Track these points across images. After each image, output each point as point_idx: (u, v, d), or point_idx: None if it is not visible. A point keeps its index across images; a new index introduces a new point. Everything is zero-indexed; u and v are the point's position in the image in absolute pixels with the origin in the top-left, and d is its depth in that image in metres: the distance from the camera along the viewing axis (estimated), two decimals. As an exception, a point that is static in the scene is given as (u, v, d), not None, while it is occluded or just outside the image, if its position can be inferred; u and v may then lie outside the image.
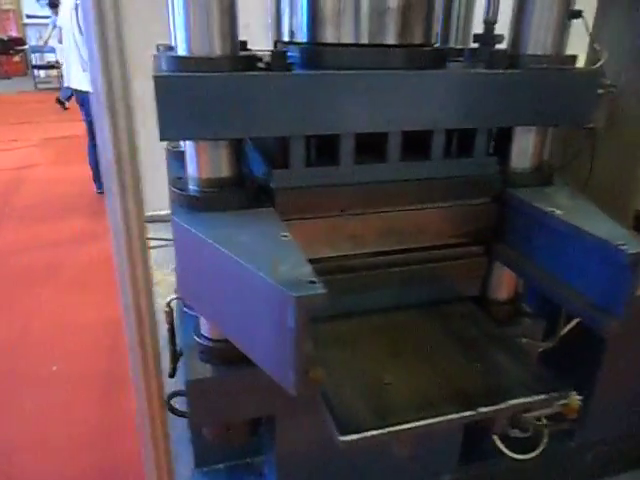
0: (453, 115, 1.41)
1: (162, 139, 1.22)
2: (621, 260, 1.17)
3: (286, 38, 1.56)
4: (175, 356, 1.87)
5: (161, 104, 1.18)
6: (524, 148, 1.60)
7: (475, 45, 1.79)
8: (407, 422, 1.18)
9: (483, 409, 1.23)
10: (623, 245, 1.17)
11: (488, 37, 1.75)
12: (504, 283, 1.76)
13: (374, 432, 1.15)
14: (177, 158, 1.76)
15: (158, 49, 1.71)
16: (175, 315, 1.75)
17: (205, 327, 1.57)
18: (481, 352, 1.45)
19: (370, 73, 1.32)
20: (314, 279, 0.99)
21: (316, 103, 1.29)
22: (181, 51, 1.24)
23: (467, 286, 1.70)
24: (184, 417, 2.20)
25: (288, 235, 1.18)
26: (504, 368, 1.39)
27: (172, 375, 1.95)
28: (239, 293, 1.12)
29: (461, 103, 1.40)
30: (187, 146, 1.36)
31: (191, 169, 1.37)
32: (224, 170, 1.36)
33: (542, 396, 1.28)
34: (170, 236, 1.30)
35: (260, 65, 1.33)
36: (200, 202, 1.33)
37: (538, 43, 1.49)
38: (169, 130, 1.21)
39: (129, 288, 0.96)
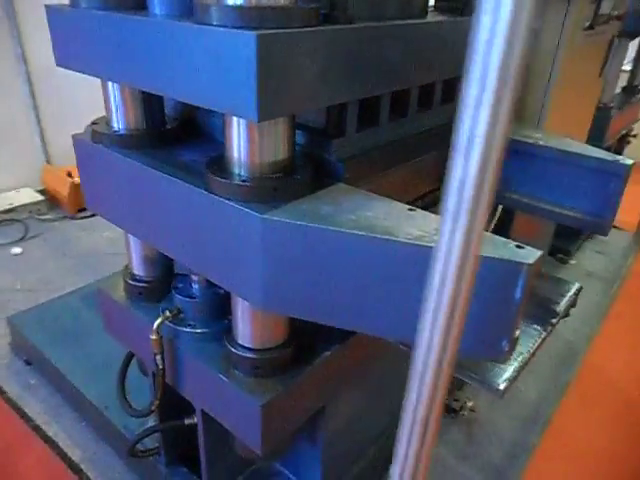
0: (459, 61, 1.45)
1: (263, 120, 0.93)
2: (620, 172, 1.46)
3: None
4: (163, 389, 1.53)
5: (263, 69, 0.89)
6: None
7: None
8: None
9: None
10: (619, 160, 1.46)
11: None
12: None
13: (514, 366, 1.23)
14: (123, 144, 1.34)
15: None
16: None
17: (246, 335, 1.32)
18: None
19: (418, 22, 1.25)
20: (516, 243, 0.97)
21: (378, 61, 1.16)
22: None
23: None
24: (154, 455, 1.85)
25: (414, 208, 1.09)
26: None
27: (151, 412, 1.61)
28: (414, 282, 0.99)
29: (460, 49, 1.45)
30: (233, 123, 1.07)
31: (240, 152, 1.09)
32: (285, 150, 1.13)
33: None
34: None
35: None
36: (279, 192, 1.08)
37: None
38: (272, 106, 0.94)
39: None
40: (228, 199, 1.08)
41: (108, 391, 2.07)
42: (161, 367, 1.46)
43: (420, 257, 0.94)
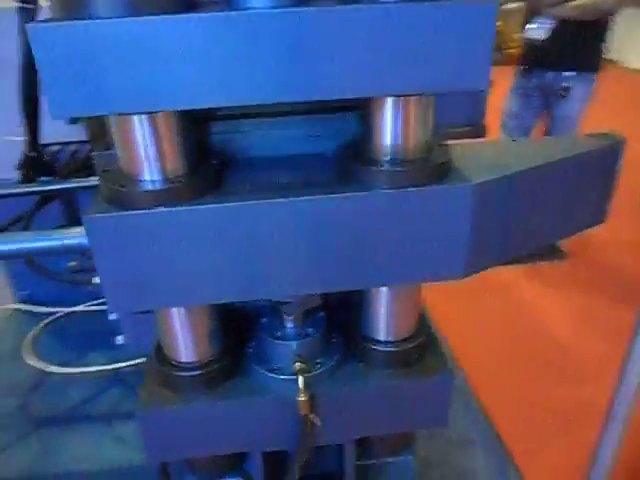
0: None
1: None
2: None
3: None
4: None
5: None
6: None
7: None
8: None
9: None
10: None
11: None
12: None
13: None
14: (190, 194, 1.00)
15: None
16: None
17: (398, 329, 1.28)
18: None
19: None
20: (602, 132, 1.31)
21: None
22: None
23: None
24: None
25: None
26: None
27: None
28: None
29: None
30: (400, 107, 0.99)
31: (413, 135, 1.03)
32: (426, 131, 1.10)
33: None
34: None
35: None
36: (447, 164, 1.09)
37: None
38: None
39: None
40: (422, 185, 1.03)
41: None
42: (317, 424, 1.23)
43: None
